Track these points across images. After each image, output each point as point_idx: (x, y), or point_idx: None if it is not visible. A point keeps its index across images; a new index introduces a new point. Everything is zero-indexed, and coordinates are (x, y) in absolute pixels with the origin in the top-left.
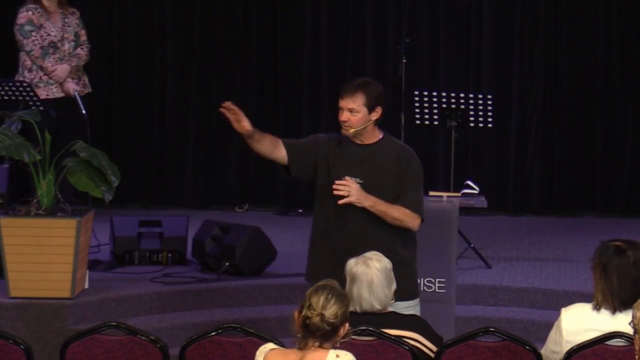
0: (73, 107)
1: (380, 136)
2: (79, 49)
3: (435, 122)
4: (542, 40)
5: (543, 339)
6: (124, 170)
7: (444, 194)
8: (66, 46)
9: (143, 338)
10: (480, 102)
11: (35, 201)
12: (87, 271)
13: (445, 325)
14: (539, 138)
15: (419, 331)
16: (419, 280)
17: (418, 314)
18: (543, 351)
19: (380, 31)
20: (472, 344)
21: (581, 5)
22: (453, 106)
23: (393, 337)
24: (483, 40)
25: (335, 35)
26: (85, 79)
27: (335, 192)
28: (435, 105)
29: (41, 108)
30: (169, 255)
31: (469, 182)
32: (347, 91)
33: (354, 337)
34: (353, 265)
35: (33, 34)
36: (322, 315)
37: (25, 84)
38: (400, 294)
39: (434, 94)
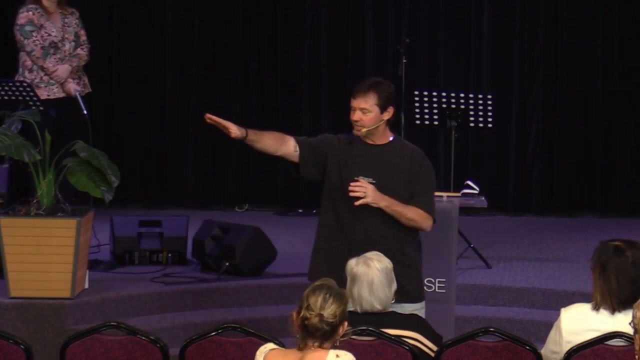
0: (74, 107)
1: (392, 137)
2: (79, 49)
3: (435, 122)
4: (542, 40)
5: (543, 339)
6: (124, 170)
7: (444, 194)
8: (67, 46)
9: (143, 338)
10: (480, 102)
11: (35, 201)
12: (87, 271)
13: (445, 325)
14: (539, 138)
15: (419, 331)
16: None
17: (423, 316)
18: (543, 351)
19: (380, 31)
20: (472, 344)
21: (581, 5)
22: (453, 106)
23: (393, 337)
24: (483, 40)
25: (335, 35)
26: (85, 79)
27: (352, 194)
28: (435, 105)
29: (41, 108)
30: (169, 255)
31: (469, 182)
32: (359, 91)
33: (353, 337)
34: (354, 265)
35: (34, 34)
36: (320, 315)
37: (25, 84)
38: (407, 296)
39: (434, 94)
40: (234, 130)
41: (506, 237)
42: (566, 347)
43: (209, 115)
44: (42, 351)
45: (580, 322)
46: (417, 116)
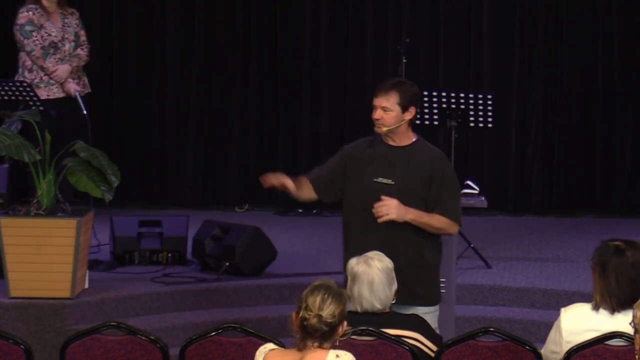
0: (74, 107)
1: (414, 139)
2: (79, 49)
3: (435, 122)
4: (542, 40)
5: (543, 339)
6: (124, 170)
7: None
8: (67, 46)
9: (143, 338)
10: (480, 102)
11: (35, 201)
12: (87, 271)
13: (445, 325)
14: (539, 138)
15: (419, 331)
16: None
17: (436, 319)
18: (543, 351)
19: (380, 31)
20: (472, 344)
21: (581, 5)
22: (453, 106)
23: (393, 337)
24: (483, 40)
25: (335, 35)
26: (85, 79)
27: (377, 217)
28: (435, 105)
29: (41, 108)
30: (169, 255)
31: (469, 182)
32: (381, 89)
33: (353, 337)
34: (354, 264)
35: (34, 34)
36: (319, 316)
37: (25, 84)
38: (421, 300)
39: (434, 94)
40: (290, 185)
41: (506, 237)
42: (566, 347)
43: (266, 181)
44: (42, 351)
45: (580, 322)
46: (417, 116)
